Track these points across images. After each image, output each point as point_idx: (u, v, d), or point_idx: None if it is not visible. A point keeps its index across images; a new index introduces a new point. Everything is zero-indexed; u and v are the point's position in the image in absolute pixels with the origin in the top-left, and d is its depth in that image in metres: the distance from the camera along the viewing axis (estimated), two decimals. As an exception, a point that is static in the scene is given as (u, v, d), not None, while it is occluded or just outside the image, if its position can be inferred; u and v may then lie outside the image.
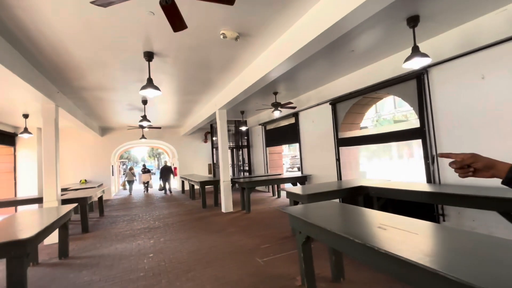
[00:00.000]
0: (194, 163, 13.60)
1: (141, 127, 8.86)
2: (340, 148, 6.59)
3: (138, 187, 16.74)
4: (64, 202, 5.47)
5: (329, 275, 2.99)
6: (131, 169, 14.89)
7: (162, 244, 4.56)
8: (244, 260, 3.64)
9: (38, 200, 6.36)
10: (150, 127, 8.95)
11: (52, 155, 5.19)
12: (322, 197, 4.35)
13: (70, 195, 6.22)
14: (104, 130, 11.72)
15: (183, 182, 11.96)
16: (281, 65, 4.21)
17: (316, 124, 7.40)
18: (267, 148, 10.43)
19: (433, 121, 4.41)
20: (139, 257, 4.02)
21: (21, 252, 2.50)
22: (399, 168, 18.11)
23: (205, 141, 13.84)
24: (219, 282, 3.04)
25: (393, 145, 20.26)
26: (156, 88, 3.92)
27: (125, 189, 15.32)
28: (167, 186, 12.63)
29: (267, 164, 10.43)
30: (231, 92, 6.19)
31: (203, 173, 13.57)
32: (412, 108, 4.81)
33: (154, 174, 21.64)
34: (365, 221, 2.34)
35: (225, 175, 7.00)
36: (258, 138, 11.02)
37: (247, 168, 11.76)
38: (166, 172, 12.70)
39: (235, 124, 11.62)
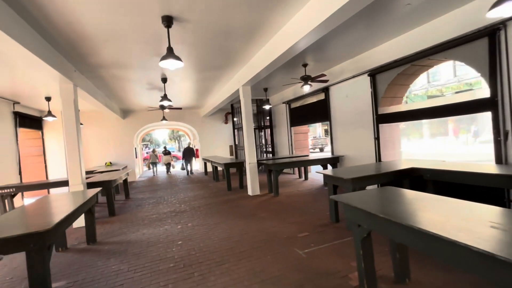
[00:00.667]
0: (215, 145, 13.35)
1: (162, 107, 8.54)
2: (380, 125, 5.86)
3: (161, 168, 16.98)
4: (90, 185, 5.34)
5: (389, 274, 2.51)
6: (154, 151, 15.24)
7: (190, 230, 4.29)
8: (283, 251, 3.24)
9: (66, 183, 6.35)
10: (170, 107, 8.61)
11: (73, 138, 4.98)
12: (368, 182, 3.79)
13: (95, 178, 6.12)
14: (126, 113, 11.62)
15: (205, 163, 11.79)
16: (314, 31, 3.62)
17: (351, 99, 6.65)
18: (292, 128, 9.82)
19: (510, 90, 3.58)
20: (168, 244, 3.76)
21: (40, 244, 2.23)
22: (439, 147, 16.78)
23: (226, 122, 13.44)
24: (258, 277, 2.67)
25: (429, 122, 18.70)
26: (177, 58, 3.42)
27: (149, 169, 15.80)
28: (188, 167, 12.76)
29: (292, 145, 9.87)
30: (256, 66, 5.57)
31: (225, 155, 13.33)
32: (476, 75, 3.97)
33: (175, 156, 22.04)
34: (459, 215, 1.77)
35: (251, 156, 6.57)
36: (282, 118, 10.40)
37: (270, 149, 11.29)
38: (188, 154, 12.76)
39: (257, 103, 11.02)
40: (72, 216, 2.92)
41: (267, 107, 8.87)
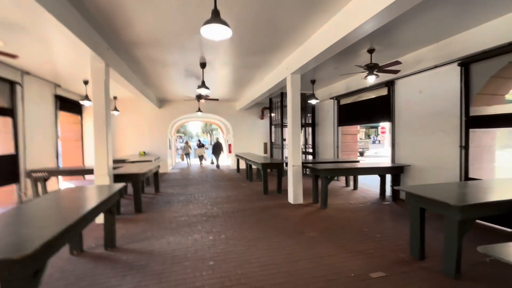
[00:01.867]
0: (249, 141, 12.57)
1: (199, 98, 7.92)
2: (470, 130, 4.50)
3: (193, 161, 16.81)
4: (117, 178, 4.82)
5: None
6: (187, 142, 15.59)
7: (224, 245, 3.47)
8: (356, 304, 2.25)
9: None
10: (207, 98, 7.96)
11: (101, 123, 4.46)
12: (483, 211, 2.61)
13: (123, 169, 5.63)
14: (162, 102, 11.34)
15: (238, 160, 11.07)
16: (387, 10, 2.79)
17: (426, 96, 5.31)
18: (339, 127, 8.60)
19: None
20: (196, 263, 2.97)
21: (20, 273, 1.52)
22: None
23: (262, 118, 12.58)
24: None
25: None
26: (224, 23, 2.56)
27: (183, 160, 16.50)
28: (216, 162, 13.45)
29: (338, 147, 8.66)
30: (312, 49, 4.56)
31: (258, 152, 12.50)
32: None
33: (207, 149, 22.09)
34: None
35: (295, 158, 5.59)
36: (327, 115, 9.21)
37: (310, 150, 10.17)
38: (217, 149, 13.39)
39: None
40: (76, 226, 2.22)
41: (313, 101, 7.78)
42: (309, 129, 10.21)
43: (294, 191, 5.54)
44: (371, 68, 4.98)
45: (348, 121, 8.16)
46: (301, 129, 10.43)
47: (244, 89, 9.07)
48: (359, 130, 27.83)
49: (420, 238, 3.00)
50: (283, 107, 9.37)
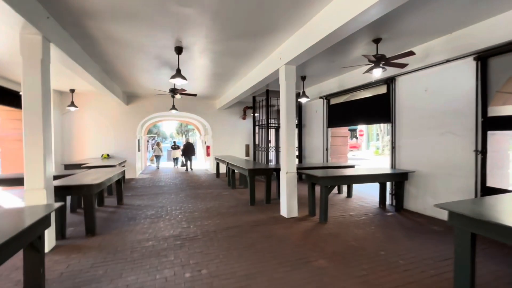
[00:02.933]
0: (230, 143, 11.59)
1: (173, 92, 6.83)
2: (489, 133, 3.98)
3: (165, 165, 15.42)
4: (61, 191, 3.62)
5: None
6: (158, 144, 14.62)
7: (206, 287, 2.50)
8: None
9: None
10: (183, 93, 6.88)
11: (35, 118, 3.28)
12: None
13: (73, 178, 4.39)
14: (130, 98, 9.96)
15: (218, 164, 10.02)
16: None
17: (433, 94, 4.78)
18: (329, 129, 7.96)
19: None
20: (166, 326, 1.98)
21: None
22: None
23: (244, 118, 11.67)
24: None
25: None
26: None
27: (152, 163, 15.46)
28: (188, 164, 12.83)
29: (327, 150, 8.02)
30: (310, 36, 3.80)
31: (240, 155, 11.56)
32: None
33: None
34: None
35: (290, 164, 4.76)
36: (315, 116, 8.57)
37: (296, 153, 9.44)
38: (188, 150, 12.69)
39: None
40: None
41: (303, 100, 7.03)
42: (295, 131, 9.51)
43: (288, 203, 4.70)
44: (378, 60, 4.31)
45: (339, 122, 7.54)
46: (286, 130, 9.73)
47: (227, 84, 8.10)
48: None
49: (470, 272, 2.28)
50: (268, 106, 8.56)
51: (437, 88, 4.71)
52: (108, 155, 9.53)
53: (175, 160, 14.54)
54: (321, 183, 4.42)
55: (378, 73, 4.49)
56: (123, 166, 7.91)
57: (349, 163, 7.25)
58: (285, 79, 4.76)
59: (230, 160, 7.81)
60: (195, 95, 7.29)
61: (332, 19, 3.33)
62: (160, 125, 50.75)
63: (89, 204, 3.83)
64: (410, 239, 3.69)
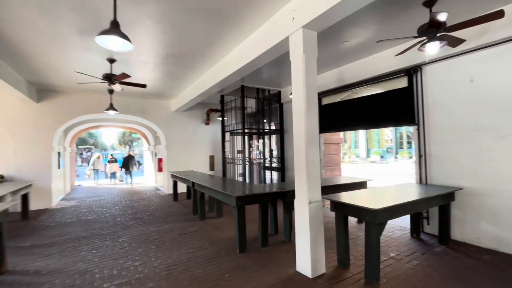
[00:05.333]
0: (190, 154, 9.29)
1: (108, 79, 4.50)
2: None
3: (102, 182, 12.12)
4: None
5: None
6: (99, 157, 12.77)
7: None
8: None
9: None
10: (125, 81, 4.59)
11: None
12: None
13: None
14: (43, 93, 6.95)
15: (175, 183, 7.63)
16: None
17: (485, 85, 3.60)
18: (321, 134, 6.49)
19: None
20: None
21: None
22: None
23: (207, 123, 9.54)
24: None
25: None
26: None
27: (89, 177, 13.13)
28: (129, 179, 11.99)
29: (319, 161, 6.48)
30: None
31: (202, 169, 9.33)
32: None
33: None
34: None
35: (313, 187, 2.93)
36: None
37: (275, 165, 7.74)
38: (128, 163, 11.86)
39: (261, 95, 7.52)
40: None
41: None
42: (271, 138, 7.84)
43: (313, 252, 2.84)
44: (435, 27, 2.89)
45: (335, 126, 6.11)
46: (261, 137, 7.97)
47: (189, 73, 5.98)
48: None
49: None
50: (244, 107, 6.70)
51: (491, 77, 3.55)
52: (2, 176, 6.31)
53: (113, 175, 12.81)
54: (370, 219, 2.71)
55: (434, 49, 3.07)
56: (24, 192, 5.02)
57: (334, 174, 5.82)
58: (303, 53, 2.97)
59: (198, 179, 5.63)
60: (144, 85, 5.00)
61: None
62: (97, 134, 44.04)
63: None
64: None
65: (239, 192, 3.72)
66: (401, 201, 2.95)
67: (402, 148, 24.35)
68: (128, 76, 4.35)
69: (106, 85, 4.84)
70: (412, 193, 3.47)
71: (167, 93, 7.70)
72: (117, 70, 5.02)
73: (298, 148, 3.03)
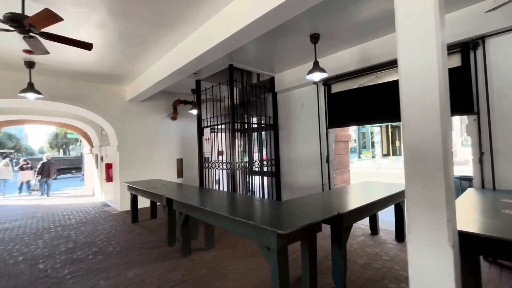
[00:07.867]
0: (150, 157, 7.21)
1: (16, 22, 2.48)
2: None
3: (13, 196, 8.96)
4: None
5: None
6: (7, 164, 10.19)
7: None
8: None
9: None
10: (51, 33, 2.61)
11: None
12: None
13: None
14: None
15: (134, 197, 5.53)
16: None
17: None
18: (330, 130, 5.26)
19: None
20: None
21: None
22: None
23: (174, 117, 7.57)
24: None
25: None
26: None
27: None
28: (45, 188, 10.21)
29: (329, 163, 5.24)
30: None
31: (167, 176, 7.34)
32: None
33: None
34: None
35: (449, 206, 1.57)
36: (302, 112, 5.73)
37: (265, 168, 6.28)
38: (47, 170, 10.13)
39: (242, 82, 5.96)
40: None
41: (316, 77, 4.01)
42: (264, 135, 6.37)
43: None
44: None
45: (351, 119, 4.94)
46: (244, 135, 6.41)
47: (159, 42, 4.13)
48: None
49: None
50: (234, 94, 5.09)
51: None
52: None
53: (26, 184, 10.87)
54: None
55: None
56: None
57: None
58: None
59: (176, 194, 3.80)
60: (89, 45, 3.03)
61: None
62: (21, 134, 36.59)
63: None
64: None
65: (283, 224, 2.11)
66: None
67: (365, 148, 25.30)
68: (57, 18, 2.40)
69: (20, 52, 2.76)
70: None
71: (121, 73, 5.59)
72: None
73: (419, 134, 1.62)
